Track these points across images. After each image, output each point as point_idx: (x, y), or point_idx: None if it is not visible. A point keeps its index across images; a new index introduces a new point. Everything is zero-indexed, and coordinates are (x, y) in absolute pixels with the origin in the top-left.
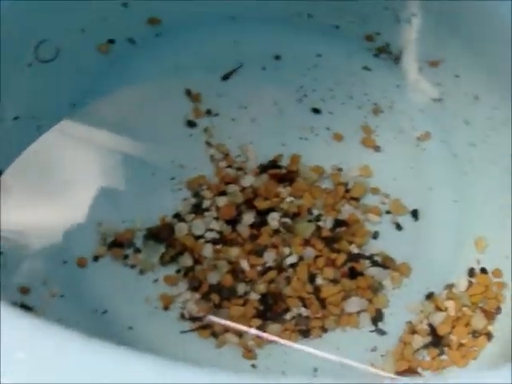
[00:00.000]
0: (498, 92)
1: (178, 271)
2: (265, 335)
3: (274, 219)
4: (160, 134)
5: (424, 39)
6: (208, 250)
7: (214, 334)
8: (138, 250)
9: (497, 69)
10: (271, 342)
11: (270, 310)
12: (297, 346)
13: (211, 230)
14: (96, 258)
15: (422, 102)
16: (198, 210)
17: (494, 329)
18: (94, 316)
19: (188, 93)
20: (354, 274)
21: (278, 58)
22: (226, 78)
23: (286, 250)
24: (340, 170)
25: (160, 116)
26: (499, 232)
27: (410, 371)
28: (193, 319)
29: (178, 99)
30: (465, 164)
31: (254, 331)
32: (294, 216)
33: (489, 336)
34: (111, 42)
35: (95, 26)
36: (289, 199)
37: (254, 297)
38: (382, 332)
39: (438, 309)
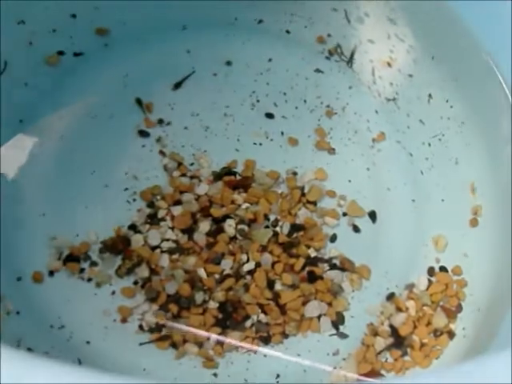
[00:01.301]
0: (452, 90)
1: (136, 283)
2: (225, 343)
3: (230, 226)
4: (112, 145)
5: (375, 39)
6: (165, 260)
7: (174, 345)
8: (94, 263)
9: (450, 67)
10: (232, 350)
11: (229, 318)
12: (258, 353)
13: (167, 239)
14: (51, 273)
15: (376, 102)
16: (153, 220)
17: (455, 327)
18: (51, 332)
19: (139, 102)
20: (312, 278)
21: (229, 63)
22: (177, 86)
23: (244, 257)
24: (295, 174)
25: (111, 127)
26: (458, 230)
27: (373, 373)
28: (151, 330)
29: (130, 109)
30: (421, 163)
31: (214, 340)
32: (251, 222)
33: (450, 334)
34: (60, 53)
35: (43, 38)
36: (244, 206)
37: (213, 305)
38: (343, 335)
39: (399, 309)
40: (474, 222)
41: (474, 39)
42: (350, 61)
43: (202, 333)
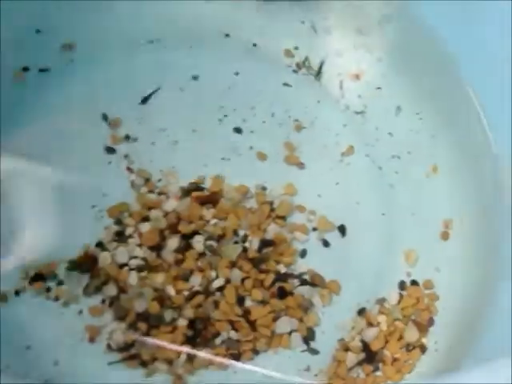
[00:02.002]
0: (422, 103)
1: (103, 301)
2: (195, 361)
3: (198, 242)
4: (79, 161)
5: (343, 51)
6: (133, 278)
7: (143, 363)
8: (60, 282)
9: (420, 79)
10: (202, 367)
11: (199, 336)
12: (229, 369)
13: (135, 257)
14: (17, 293)
15: (345, 115)
16: (120, 237)
17: (427, 341)
18: (17, 353)
19: (105, 118)
20: (283, 293)
21: (195, 78)
22: (144, 101)
23: (213, 274)
24: (264, 189)
25: (78, 143)
26: (429, 244)
27: None
28: (120, 349)
29: (96, 125)
30: (390, 176)
31: (184, 357)
32: (220, 238)
33: (422, 348)
34: (25, 69)
35: (8, 54)
36: (213, 221)
37: (183, 323)
38: (314, 351)
39: (370, 324)
40: (445, 236)
41: (444, 52)
42: (318, 74)
43: (172, 351)
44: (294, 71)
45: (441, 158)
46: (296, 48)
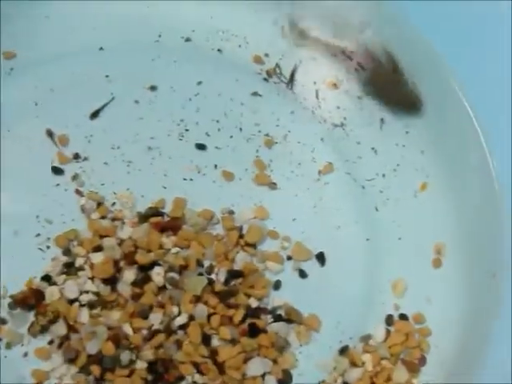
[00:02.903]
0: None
1: (51, 342)
2: None
3: (158, 275)
4: (21, 184)
5: (319, 57)
6: (84, 316)
7: None
8: (2, 321)
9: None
10: None
11: (160, 380)
12: None
13: (87, 291)
14: None
15: (322, 129)
16: (70, 269)
17: (418, 382)
18: None
19: (50, 135)
20: (254, 331)
21: (153, 88)
22: (94, 115)
23: (175, 310)
24: (232, 212)
25: (20, 163)
26: (419, 272)
27: None
28: None
29: (41, 143)
30: (374, 197)
31: None
32: (182, 269)
33: None
34: None
35: None
36: (174, 250)
37: (141, 365)
38: None
39: (354, 364)
40: (437, 263)
41: (431, 54)
42: (291, 82)
43: None
44: (265, 79)
45: (430, 175)
46: (266, 54)
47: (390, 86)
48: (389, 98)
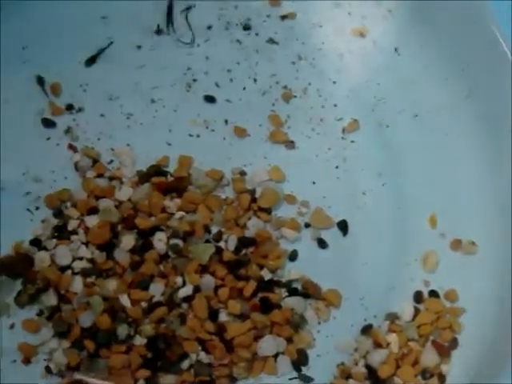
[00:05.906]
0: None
1: (40, 313)
2: None
3: (160, 241)
4: (8, 138)
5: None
6: (77, 285)
7: None
8: None
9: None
10: None
11: (161, 358)
12: None
13: (80, 258)
14: None
15: (347, 81)
16: (61, 233)
17: (448, 368)
18: None
19: (41, 82)
20: (267, 306)
21: (158, 32)
22: (90, 61)
23: (179, 280)
24: (243, 173)
25: (6, 114)
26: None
27: None
28: (62, 374)
29: (30, 92)
30: (406, 156)
31: None
32: (187, 236)
33: (441, 377)
34: None
35: None
36: (179, 214)
37: (140, 341)
38: (307, 379)
39: (378, 345)
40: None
41: None
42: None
43: (127, 376)
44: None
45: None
46: None
47: None
48: None
